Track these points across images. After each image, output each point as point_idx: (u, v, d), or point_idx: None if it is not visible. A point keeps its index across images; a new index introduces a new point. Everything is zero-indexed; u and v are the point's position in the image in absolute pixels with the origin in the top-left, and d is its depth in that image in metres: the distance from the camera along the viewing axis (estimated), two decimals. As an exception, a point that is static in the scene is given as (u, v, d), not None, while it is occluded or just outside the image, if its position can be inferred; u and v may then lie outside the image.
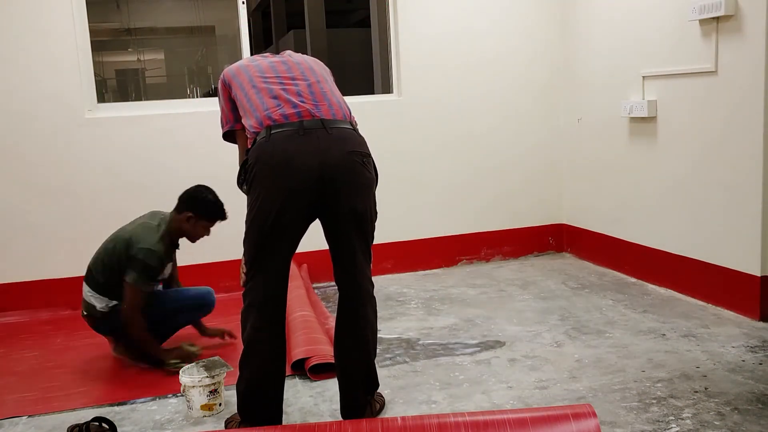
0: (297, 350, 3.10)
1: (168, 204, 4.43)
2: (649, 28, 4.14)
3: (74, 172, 4.33)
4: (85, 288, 3.30)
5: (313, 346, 3.11)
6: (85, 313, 3.35)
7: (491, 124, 5.02)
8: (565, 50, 5.05)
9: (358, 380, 2.57)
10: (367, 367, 2.59)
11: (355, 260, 2.48)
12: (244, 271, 2.46)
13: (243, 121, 2.52)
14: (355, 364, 2.55)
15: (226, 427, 2.58)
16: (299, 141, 2.34)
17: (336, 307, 2.58)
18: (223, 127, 2.70)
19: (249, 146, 2.46)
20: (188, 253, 4.50)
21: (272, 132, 2.36)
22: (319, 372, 3.01)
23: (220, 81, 2.64)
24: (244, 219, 2.43)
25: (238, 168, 2.51)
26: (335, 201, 2.39)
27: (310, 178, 2.33)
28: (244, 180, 2.43)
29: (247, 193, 2.43)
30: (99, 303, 3.26)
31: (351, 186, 2.40)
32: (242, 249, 2.45)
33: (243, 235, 2.43)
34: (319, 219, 2.48)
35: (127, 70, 13.35)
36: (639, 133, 4.31)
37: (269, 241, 2.36)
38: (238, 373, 2.47)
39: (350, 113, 2.54)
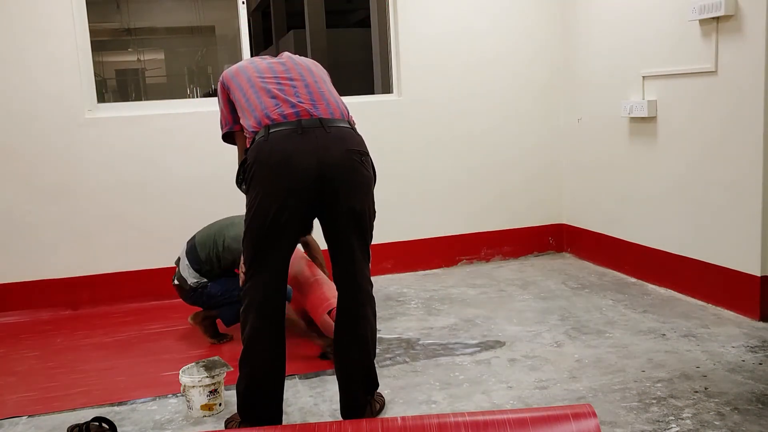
0: (327, 302, 3.22)
1: (168, 204, 4.44)
2: (649, 28, 4.14)
3: (74, 172, 4.33)
4: (184, 261, 3.54)
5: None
6: (176, 282, 3.59)
7: (491, 124, 5.02)
8: (565, 50, 5.05)
9: (358, 380, 2.57)
10: (366, 367, 2.59)
11: (354, 260, 2.48)
12: (243, 270, 2.46)
13: (242, 121, 2.53)
14: (354, 364, 2.55)
15: (226, 427, 2.58)
16: (298, 140, 2.34)
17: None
18: (222, 128, 2.71)
19: (248, 146, 2.47)
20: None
21: (271, 131, 2.36)
22: None
23: (219, 83, 2.65)
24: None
25: (237, 168, 2.52)
26: (334, 200, 2.39)
27: (309, 177, 2.33)
28: (243, 180, 2.43)
29: (246, 192, 2.43)
30: (192, 278, 3.50)
31: (349, 185, 2.40)
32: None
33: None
34: (318, 218, 2.48)
35: (127, 70, 13.36)
36: (639, 133, 4.31)
37: (268, 241, 2.36)
38: (238, 373, 2.47)
39: (348, 113, 2.55)
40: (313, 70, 2.60)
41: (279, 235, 2.36)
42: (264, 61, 2.60)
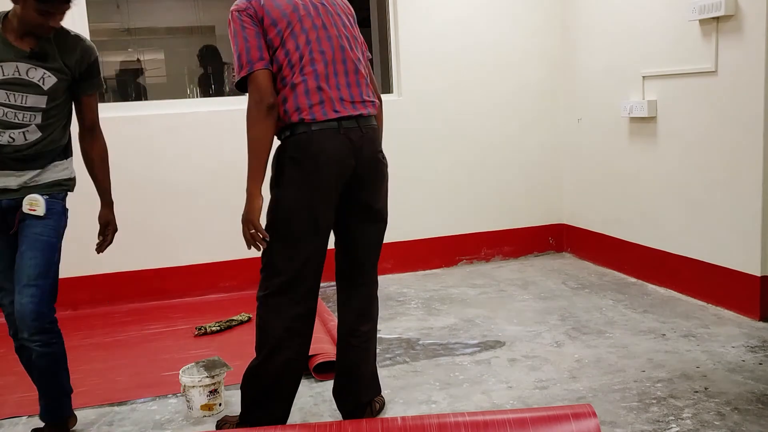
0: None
1: (167, 204, 4.44)
2: (649, 28, 4.14)
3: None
4: None
5: (316, 345, 3.11)
6: None
7: (491, 124, 5.02)
8: (565, 50, 5.05)
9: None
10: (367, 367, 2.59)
11: (369, 259, 2.50)
12: (266, 238, 2.30)
13: (278, 85, 2.30)
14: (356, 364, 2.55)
15: (219, 428, 2.56)
16: (338, 141, 2.29)
17: (336, 307, 2.58)
18: (243, 68, 2.24)
19: (281, 127, 2.34)
20: (184, 253, 4.51)
21: (313, 129, 2.28)
22: (322, 372, 3.01)
23: (241, 12, 2.25)
24: (265, 214, 2.34)
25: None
26: (362, 201, 2.40)
27: (344, 178, 2.33)
28: (280, 172, 2.32)
29: (275, 187, 2.34)
30: None
31: (376, 186, 2.44)
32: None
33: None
34: (339, 215, 2.43)
35: (127, 70, 13.34)
36: (639, 133, 4.31)
37: (308, 239, 2.30)
38: (244, 370, 2.40)
39: (375, 93, 2.47)
40: (357, 36, 2.46)
41: (315, 234, 2.32)
42: (308, 17, 2.33)
